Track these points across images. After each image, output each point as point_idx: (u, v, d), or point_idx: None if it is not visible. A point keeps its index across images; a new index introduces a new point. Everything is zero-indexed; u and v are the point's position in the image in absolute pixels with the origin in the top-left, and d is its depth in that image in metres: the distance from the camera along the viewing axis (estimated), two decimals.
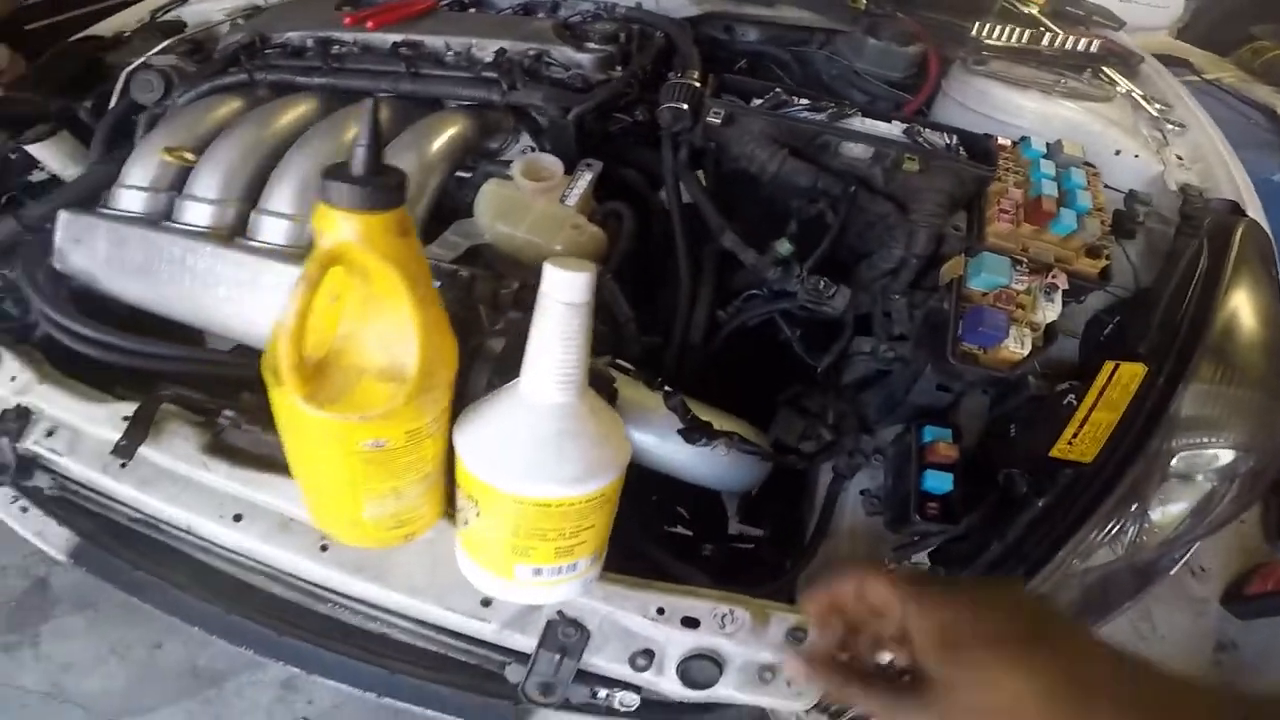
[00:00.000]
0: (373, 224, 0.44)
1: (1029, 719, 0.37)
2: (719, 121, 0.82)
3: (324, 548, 0.68)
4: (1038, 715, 0.36)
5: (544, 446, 0.51)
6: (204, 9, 1.22)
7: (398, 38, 0.95)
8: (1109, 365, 0.66)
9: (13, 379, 0.81)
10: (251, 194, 0.81)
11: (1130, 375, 0.65)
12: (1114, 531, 0.66)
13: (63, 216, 0.83)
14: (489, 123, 0.90)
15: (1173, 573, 0.77)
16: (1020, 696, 0.37)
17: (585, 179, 0.83)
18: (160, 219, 0.82)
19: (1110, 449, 0.64)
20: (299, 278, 0.44)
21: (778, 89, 0.87)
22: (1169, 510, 0.67)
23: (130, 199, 0.83)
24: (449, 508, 0.62)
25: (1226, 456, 0.66)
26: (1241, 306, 0.73)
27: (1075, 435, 0.66)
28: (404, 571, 0.67)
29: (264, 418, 0.67)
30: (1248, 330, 0.71)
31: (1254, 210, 0.91)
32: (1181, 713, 0.36)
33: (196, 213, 0.79)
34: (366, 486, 0.53)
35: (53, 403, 0.77)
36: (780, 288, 0.81)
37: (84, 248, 0.82)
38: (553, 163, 0.82)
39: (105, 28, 1.27)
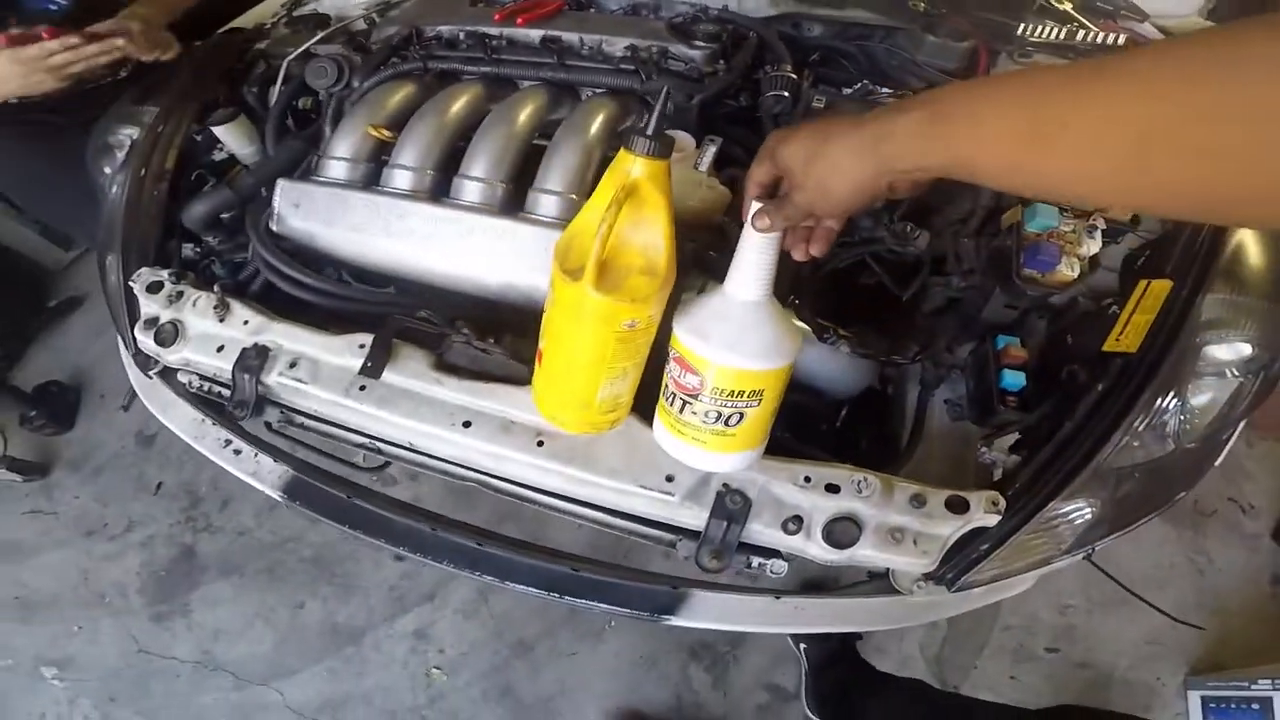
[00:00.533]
0: (657, 168, 0.63)
1: (831, 134, 0.58)
2: (821, 106, 1.01)
3: (540, 443, 0.85)
4: (832, 130, 0.58)
5: (744, 329, 0.69)
6: (340, 2, 1.37)
7: (540, 33, 1.11)
8: (1143, 282, 0.86)
9: (245, 322, 0.97)
10: (443, 163, 0.98)
11: (1160, 289, 0.85)
12: (1161, 416, 0.83)
13: (282, 184, 1.00)
14: (625, 107, 1.08)
15: (1218, 462, 0.92)
16: (818, 133, 0.59)
17: (711, 150, 1.01)
18: (364, 185, 0.99)
19: (1149, 342, 0.83)
20: (609, 203, 0.62)
21: (865, 80, 1.06)
22: (1205, 399, 0.84)
23: (338, 168, 1.00)
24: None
25: (1245, 350, 0.84)
26: (1247, 238, 0.92)
27: (1120, 334, 0.85)
28: (604, 458, 0.85)
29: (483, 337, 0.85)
30: (1252, 255, 0.90)
31: None
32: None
33: (403, 179, 0.96)
34: (611, 364, 0.71)
35: (292, 339, 0.94)
36: (870, 234, 1.00)
37: (302, 211, 0.99)
38: (686, 138, 0.99)
39: (245, 20, 1.41)
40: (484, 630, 1.72)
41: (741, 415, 0.72)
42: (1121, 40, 1.12)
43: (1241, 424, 0.90)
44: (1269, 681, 1.49)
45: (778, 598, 0.93)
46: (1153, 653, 1.70)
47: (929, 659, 1.69)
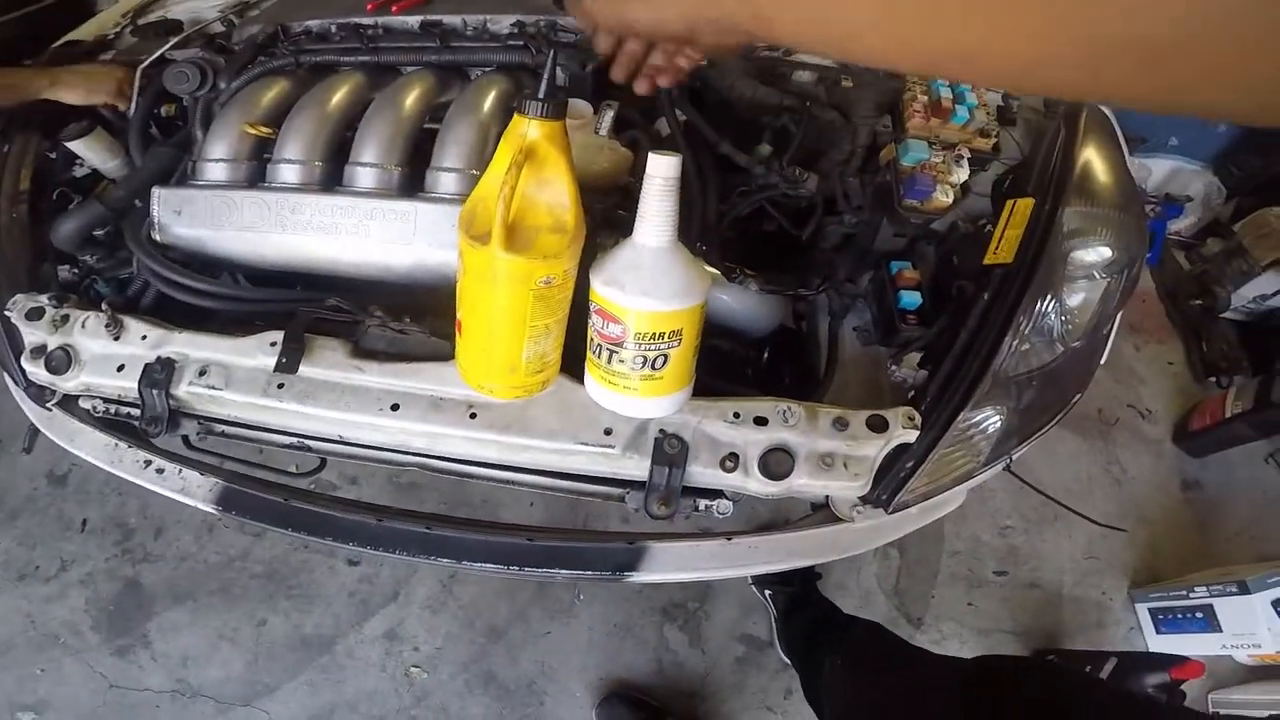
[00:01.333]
0: (553, 128, 0.65)
1: None
2: (705, 63, 1.05)
3: (473, 415, 0.85)
4: None
5: (656, 274, 0.72)
6: (193, 6, 1.32)
7: (418, 19, 1.10)
8: (1010, 202, 0.94)
9: (144, 337, 0.92)
10: (330, 154, 0.96)
11: (1025, 206, 0.94)
12: (1044, 319, 0.91)
13: (160, 192, 0.95)
14: (518, 83, 1.08)
15: (1103, 361, 1.01)
16: None
17: (609, 115, 1.03)
18: (249, 184, 0.95)
19: (1022, 253, 0.91)
20: (509, 166, 0.63)
21: None
22: (1079, 299, 0.92)
23: (217, 170, 0.96)
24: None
25: (1106, 253, 0.92)
26: (1092, 158, 1.02)
27: (996, 248, 0.93)
28: (540, 422, 0.85)
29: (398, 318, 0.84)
30: (1099, 171, 1.00)
31: None
32: None
33: (291, 173, 0.93)
34: (531, 323, 0.73)
35: (197, 346, 0.89)
36: (764, 181, 1.04)
37: (185, 217, 0.94)
38: (584, 106, 1.01)
39: (84, 32, 1.33)
40: (454, 622, 1.70)
41: (666, 357, 0.75)
42: None
43: (1117, 319, 0.99)
44: (1205, 589, 1.64)
45: (730, 539, 0.95)
46: (1092, 567, 1.82)
47: (888, 591, 1.78)
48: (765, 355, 1.11)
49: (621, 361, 0.75)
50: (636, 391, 0.77)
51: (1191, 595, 1.67)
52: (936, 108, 1.06)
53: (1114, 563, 1.83)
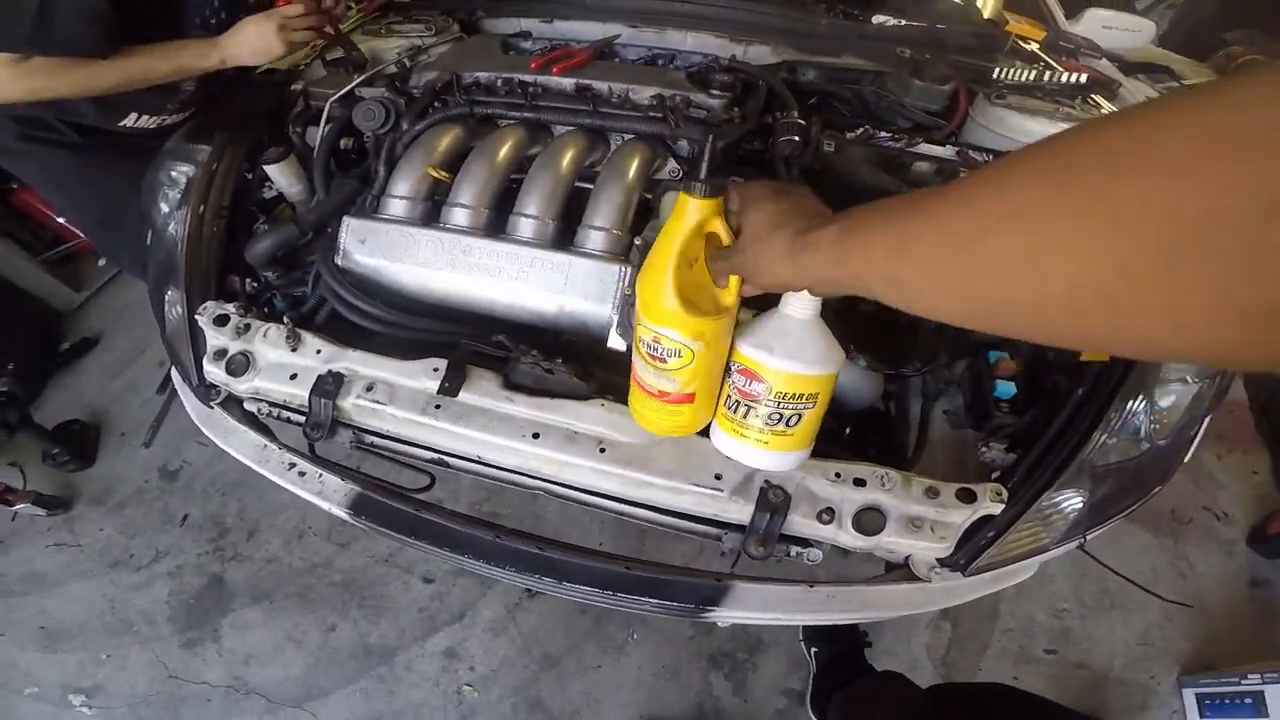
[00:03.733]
0: (717, 205, 0.75)
1: (760, 231, 0.65)
2: (832, 149, 1.15)
3: (602, 450, 0.96)
4: (764, 230, 0.64)
5: (802, 342, 0.81)
6: (374, 46, 1.47)
7: (573, 81, 1.23)
8: None
9: (318, 351, 1.06)
10: (496, 202, 1.09)
11: None
12: (1133, 417, 0.96)
13: (349, 221, 1.09)
14: (653, 150, 1.19)
15: (1187, 459, 1.04)
16: (769, 214, 0.65)
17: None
18: (424, 222, 1.09)
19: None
20: (680, 244, 0.74)
21: (866, 125, 1.20)
22: (1169, 401, 0.98)
23: (400, 206, 1.10)
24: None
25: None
26: None
27: None
28: (660, 462, 0.96)
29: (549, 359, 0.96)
30: None
31: None
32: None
33: (463, 216, 1.06)
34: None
35: (367, 364, 1.03)
36: None
37: (368, 246, 1.08)
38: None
39: (279, 62, 1.46)
40: (513, 646, 1.77)
41: (799, 416, 0.84)
42: (1084, 78, 1.29)
43: (1205, 424, 1.03)
44: (1259, 676, 1.61)
45: (812, 587, 1.03)
46: (1144, 653, 1.81)
47: (935, 661, 1.80)
48: (848, 430, 1.17)
49: (757, 417, 0.84)
50: (768, 445, 0.86)
51: (1244, 682, 1.64)
52: None
53: (1168, 649, 1.82)
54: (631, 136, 1.20)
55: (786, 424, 0.84)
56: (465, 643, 1.78)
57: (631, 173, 1.09)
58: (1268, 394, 2.30)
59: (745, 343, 0.82)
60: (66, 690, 1.74)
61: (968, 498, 0.95)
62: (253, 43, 1.29)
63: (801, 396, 0.81)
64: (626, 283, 0.98)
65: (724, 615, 1.03)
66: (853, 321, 1.19)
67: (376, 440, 1.07)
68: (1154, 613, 1.85)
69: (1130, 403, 0.97)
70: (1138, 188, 0.31)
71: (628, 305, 0.95)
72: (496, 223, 1.08)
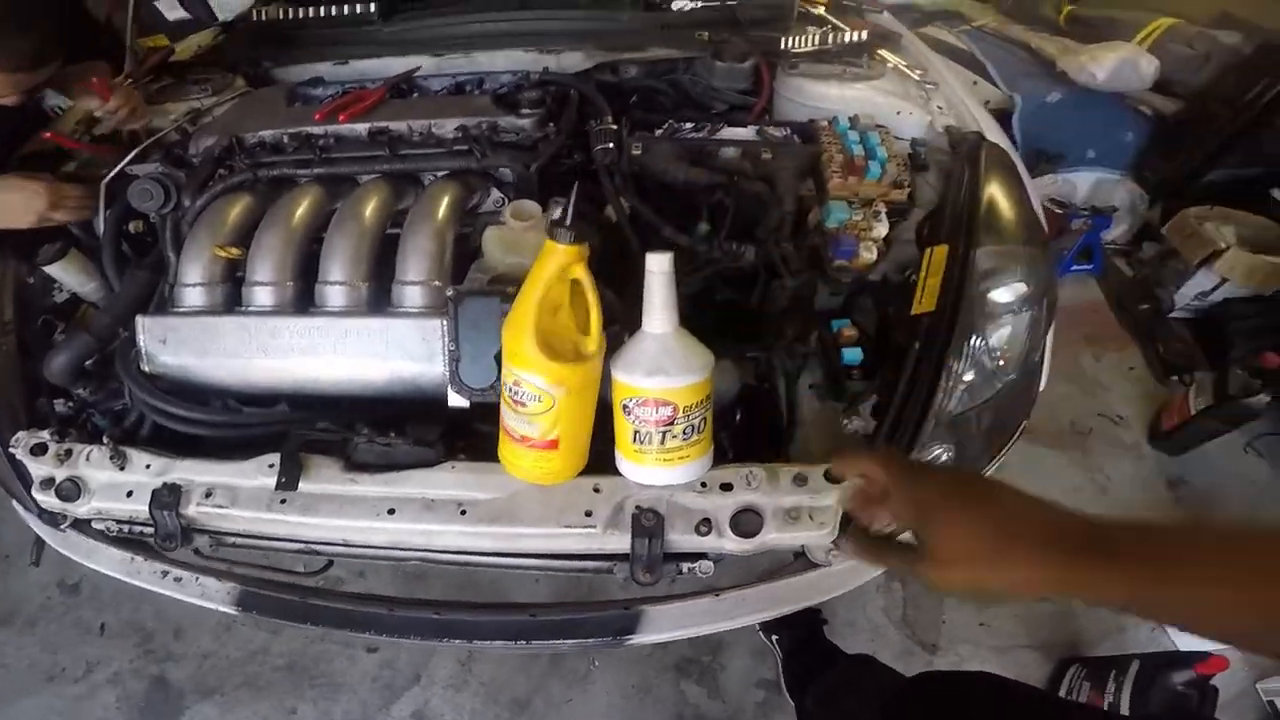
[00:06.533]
0: (582, 252, 0.75)
1: (979, 553, 0.55)
2: (640, 152, 1.13)
3: (463, 512, 0.92)
4: (985, 551, 0.54)
5: (685, 352, 0.82)
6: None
7: (365, 126, 1.16)
8: (927, 250, 1.04)
9: (148, 466, 0.98)
10: (300, 272, 1.02)
11: (941, 253, 1.03)
12: (974, 359, 0.98)
13: (144, 321, 1.00)
14: (467, 185, 1.15)
15: (1043, 384, 1.08)
16: (969, 539, 0.55)
17: (556, 212, 1.11)
18: (226, 308, 1.01)
19: (944, 300, 0.99)
20: (542, 290, 0.74)
21: (670, 120, 1.19)
22: (1004, 335, 1.00)
23: (195, 295, 1.01)
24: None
25: (1021, 288, 1.00)
26: (996, 195, 1.09)
27: (920, 298, 1.02)
28: (525, 510, 0.92)
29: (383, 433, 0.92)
30: (1003, 208, 1.08)
31: (992, 134, 1.25)
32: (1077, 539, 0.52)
33: (265, 295, 0.99)
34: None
35: (200, 472, 0.96)
36: (707, 257, 1.11)
37: (170, 345, 1.00)
38: (533, 206, 1.06)
39: (40, 142, 1.31)
40: (477, 698, 1.73)
41: (705, 419, 0.85)
42: (864, 35, 1.32)
43: (1048, 343, 1.07)
44: None
45: (718, 595, 1.03)
46: None
47: (896, 623, 1.81)
48: (739, 417, 1.15)
49: (674, 436, 0.84)
50: (691, 457, 0.87)
51: None
52: (851, 166, 1.13)
53: None
54: (445, 173, 1.15)
55: (699, 431, 0.85)
56: (430, 703, 1.74)
57: (440, 214, 1.05)
58: (1120, 288, 2.43)
59: (634, 375, 0.82)
60: None
61: (835, 477, 0.96)
62: (12, 208, 1.12)
63: (702, 401, 0.84)
64: (449, 337, 0.93)
65: (645, 639, 1.02)
66: (696, 317, 1.20)
67: (238, 540, 1.00)
68: None
69: (966, 345, 0.99)
70: None
71: (454, 361, 0.92)
72: (305, 294, 1.01)
